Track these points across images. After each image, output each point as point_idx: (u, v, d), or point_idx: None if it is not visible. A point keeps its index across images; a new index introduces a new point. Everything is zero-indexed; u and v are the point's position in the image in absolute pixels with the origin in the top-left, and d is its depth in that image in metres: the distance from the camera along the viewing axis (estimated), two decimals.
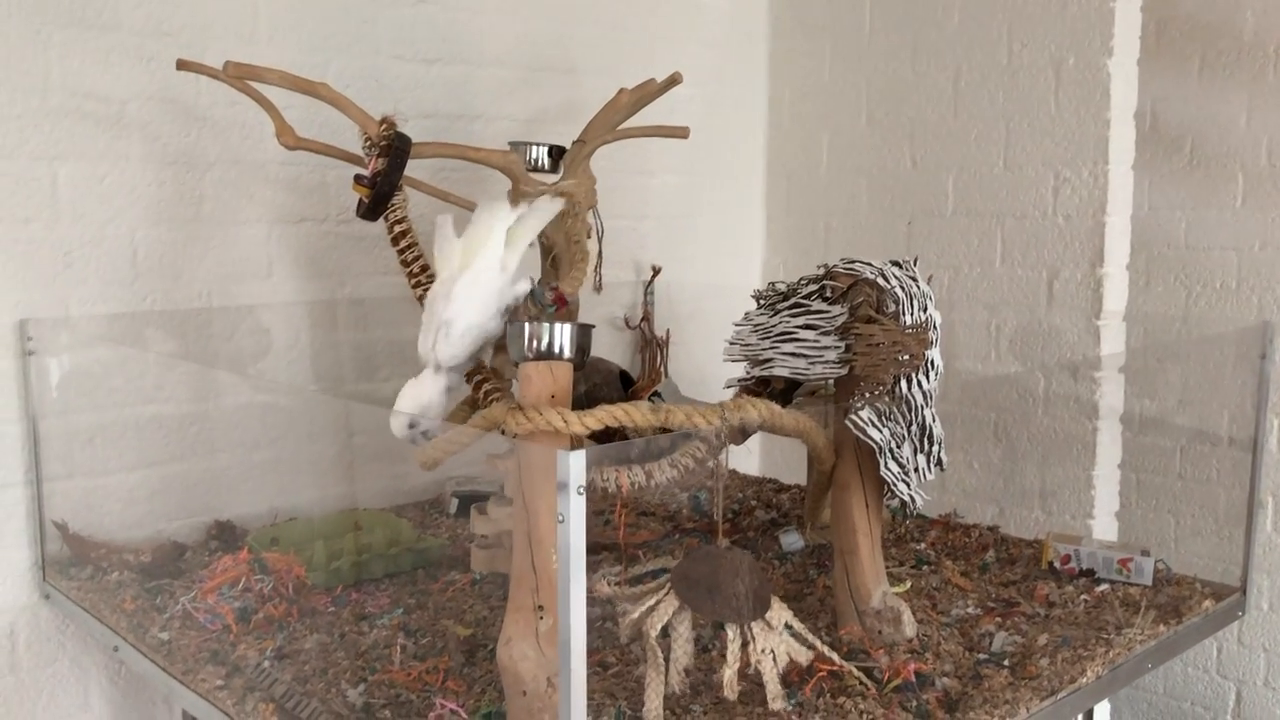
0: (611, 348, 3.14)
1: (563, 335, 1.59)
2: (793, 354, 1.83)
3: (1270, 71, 3.50)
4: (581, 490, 1.08)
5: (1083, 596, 2.11)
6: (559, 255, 2.12)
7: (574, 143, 2.48)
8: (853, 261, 1.85)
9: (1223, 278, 3.62)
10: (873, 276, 1.81)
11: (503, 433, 1.80)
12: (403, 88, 2.69)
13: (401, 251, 1.99)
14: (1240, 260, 3.58)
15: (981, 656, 1.83)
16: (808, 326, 1.83)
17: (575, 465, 1.08)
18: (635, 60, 3.11)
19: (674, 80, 2.32)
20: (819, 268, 1.96)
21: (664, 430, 1.63)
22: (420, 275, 1.97)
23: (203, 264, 2.42)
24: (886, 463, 1.80)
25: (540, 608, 1.51)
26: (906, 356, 1.76)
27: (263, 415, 2.54)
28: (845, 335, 1.78)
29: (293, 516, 2.51)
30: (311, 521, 2.43)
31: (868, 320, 1.76)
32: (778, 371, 1.84)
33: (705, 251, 3.43)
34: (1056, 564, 2.22)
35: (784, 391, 1.96)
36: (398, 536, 2.31)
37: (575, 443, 1.59)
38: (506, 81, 2.88)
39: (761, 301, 2.02)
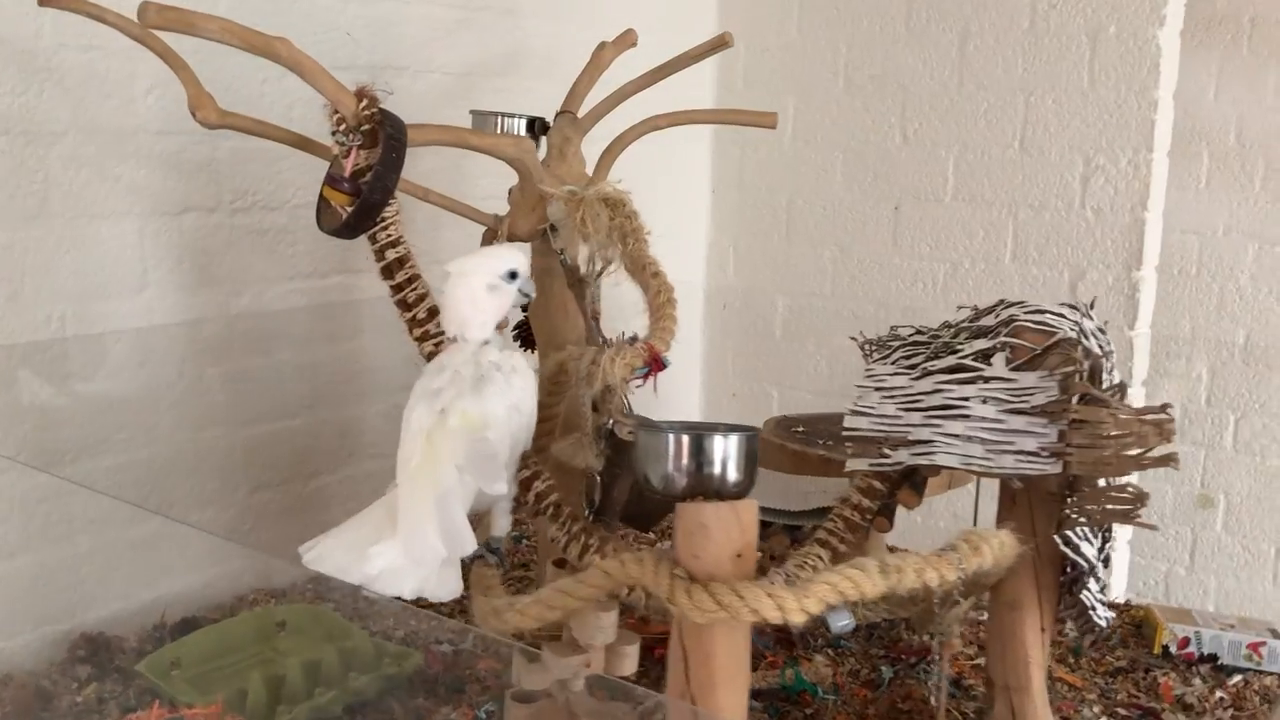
0: None
1: (727, 450, 1.06)
2: (963, 436, 1.36)
3: (1244, 44, 3.24)
4: None
5: (1218, 694, 1.76)
6: (593, 290, 1.56)
7: (558, 115, 1.91)
8: (1041, 312, 1.39)
9: (1181, 263, 3.39)
10: (1074, 334, 1.35)
11: (642, 612, 1.25)
12: (313, 31, 2.02)
13: (399, 288, 1.38)
14: (1202, 245, 3.35)
15: None
16: (985, 399, 1.36)
17: None
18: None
19: (723, 42, 1.78)
20: (964, 309, 1.50)
21: (893, 597, 1.14)
22: (429, 323, 1.37)
23: (51, 277, 1.71)
24: (1088, 583, 1.36)
25: None
26: (1142, 451, 1.31)
27: (136, 480, 1.86)
28: (1054, 418, 1.31)
29: (185, 617, 1.85)
30: (218, 629, 1.78)
31: (1086, 399, 1.30)
32: (941, 461, 1.37)
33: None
34: (1172, 649, 1.86)
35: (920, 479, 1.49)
36: (346, 644, 1.71)
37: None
38: (440, 23, 2.24)
39: (876, 353, 1.53)
